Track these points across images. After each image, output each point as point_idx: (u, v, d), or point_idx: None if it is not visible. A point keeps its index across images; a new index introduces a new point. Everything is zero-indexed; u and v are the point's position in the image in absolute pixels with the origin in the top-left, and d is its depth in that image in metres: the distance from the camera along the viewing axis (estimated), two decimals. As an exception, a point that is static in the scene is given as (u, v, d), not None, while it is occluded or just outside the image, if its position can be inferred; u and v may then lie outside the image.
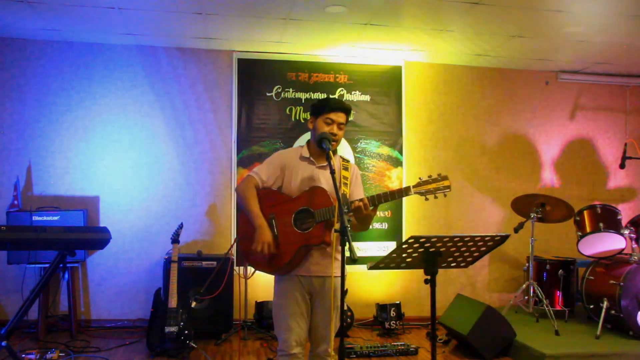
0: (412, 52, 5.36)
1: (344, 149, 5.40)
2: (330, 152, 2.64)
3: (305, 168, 2.80)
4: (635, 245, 4.69)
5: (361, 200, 2.60)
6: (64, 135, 5.09)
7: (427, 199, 2.66)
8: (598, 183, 6.02)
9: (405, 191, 2.63)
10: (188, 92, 5.27)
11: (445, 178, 2.65)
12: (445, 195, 2.65)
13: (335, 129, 2.75)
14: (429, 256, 2.45)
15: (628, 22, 4.43)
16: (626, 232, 4.67)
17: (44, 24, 4.63)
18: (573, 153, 5.96)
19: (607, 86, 6.05)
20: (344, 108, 2.79)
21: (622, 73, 5.96)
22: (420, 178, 2.68)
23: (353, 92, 5.50)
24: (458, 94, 5.75)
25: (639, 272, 4.42)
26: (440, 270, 2.53)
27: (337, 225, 2.48)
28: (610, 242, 4.76)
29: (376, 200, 2.62)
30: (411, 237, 2.34)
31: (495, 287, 5.74)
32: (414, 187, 2.64)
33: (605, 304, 4.49)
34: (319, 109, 2.79)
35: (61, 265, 3.11)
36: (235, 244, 4.78)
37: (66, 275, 4.87)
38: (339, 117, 2.76)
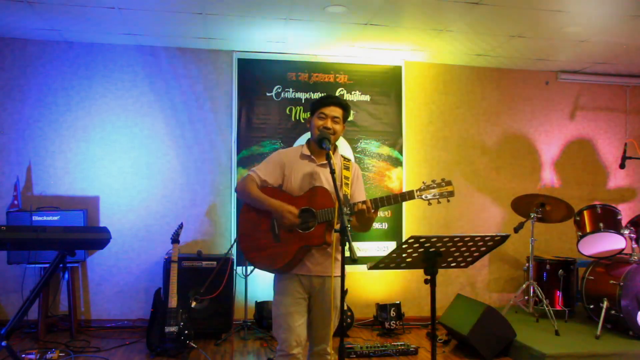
0: (412, 52, 5.36)
1: (343, 149, 5.40)
2: (330, 152, 2.64)
3: (306, 166, 2.79)
4: (635, 245, 4.69)
5: (364, 202, 2.60)
6: (64, 135, 5.09)
7: (430, 204, 2.66)
8: (598, 183, 6.02)
9: (408, 195, 2.63)
10: (188, 92, 5.27)
11: (449, 183, 2.65)
12: (448, 201, 2.66)
13: (329, 123, 2.74)
14: (429, 256, 2.45)
15: (628, 22, 4.43)
16: (626, 232, 4.67)
17: (44, 24, 4.63)
18: (573, 153, 5.97)
19: (607, 86, 6.06)
20: (337, 102, 2.79)
21: (622, 73, 5.96)
22: (424, 182, 2.68)
23: (353, 92, 5.50)
24: (458, 94, 5.75)
25: (639, 272, 4.43)
26: (440, 270, 2.52)
27: (337, 225, 2.48)
28: (610, 242, 4.76)
29: (379, 204, 2.62)
30: (411, 237, 2.34)
31: (495, 287, 5.74)
32: (417, 191, 2.64)
33: (605, 304, 4.49)
34: (314, 105, 2.82)
35: (61, 265, 3.11)
36: (235, 244, 4.78)
37: (66, 275, 4.87)
38: (332, 111, 2.75)
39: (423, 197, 2.64)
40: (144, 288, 5.08)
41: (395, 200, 2.64)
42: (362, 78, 5.51)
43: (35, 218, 4.65)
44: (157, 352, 4.17)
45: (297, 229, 2.66)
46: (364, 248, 5.37)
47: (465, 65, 5.73)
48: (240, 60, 5.32)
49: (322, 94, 5.37)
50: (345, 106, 2.82)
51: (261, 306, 4.95)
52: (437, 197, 2.65)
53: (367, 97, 5.52)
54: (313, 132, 2.79)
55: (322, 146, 2.67)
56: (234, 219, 5.24)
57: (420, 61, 5.64)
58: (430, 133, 5.68)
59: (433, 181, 2.66)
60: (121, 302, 5.11)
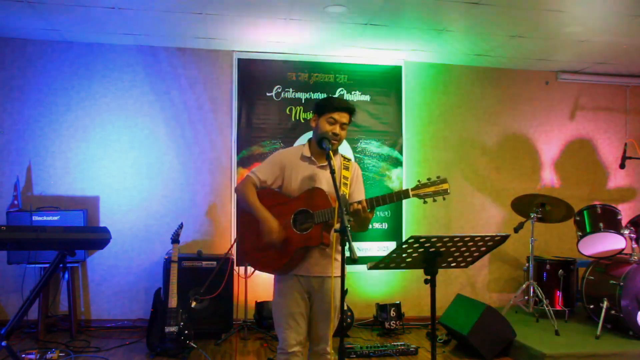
0: (412, 52, 5.36)
1: (343, 148, 5.40)
2: (331, 152, 2.63)
3: (306, 168, 2.79)
4: (635, 245, 4.69)
5: (359, 202, 2.60)
6: (64, 135, 5.09)
7: (425, 202, 2.65)
8: (598, 183, 6.02)
9: (403, 194, 2.62)
10: (188, 92, 5.27)
11: (444, 181, 2.63)
12: (444, 199, 2.64)
13: (337, 129, 2.72)
14: (429, 256, 2.45)
15: (628, 22, 4.43)
16: (626, 232, 4.67)
17: (44, 24, 4.63)
18: (573, 153, 5.97)
19: (607, 86, 6.06)
20: (348, 108, 2.75)
21: (622, 73, 5.96)
22: (419, 181, 2.66)
23: (353, 92, 5.50)
24: (458, 94, 5.75)
25: (639, 272, 4.43)
26: (440, 270, 2.53)
27: (337, 225, 2.48)
28: (610, 242, 4.77)
29: (374, 204, 2.61)
30: (411, 237, 2.34)
31: (495, 287, 5.74)
32: (412, 190, 2.62)
33: (605, 304, 4.49)
34: (323, 107, 2.76)
35: (61, 265, 3.11)
36: (235, 244, 4.78)
37: (66, 275, 4.87)
38: (342, 117, 2.73)
39: (418, 195, 2.63)
40: (144, 288, 5.08)
41: (391, 199, 2.62)
42: (362, 78, 5.51)
43: (35, 218, 4.64)
44: (157, 352, 4.18)
45: (294, 229, 2.66)
46: (364, 248, 5.37)
47: (465, 65, 5.72)
48: (240, 60, 5.32)
49: (322, 94, 5.39)
50: (353, 112, 2.80)
51: (261, 306, 4.96)
52: (432, 195, 2.63)
53: (367, 97, 5.52)
54: (317, 132, 2.77)
55: (322, 146, 2.66)
56: (234, 219, 5.24)
57: (420, 61, 5.63)
58: (430, 133, 5.68)
59: (428, 179, 2.64)
60: (121, 302, 5.11)
